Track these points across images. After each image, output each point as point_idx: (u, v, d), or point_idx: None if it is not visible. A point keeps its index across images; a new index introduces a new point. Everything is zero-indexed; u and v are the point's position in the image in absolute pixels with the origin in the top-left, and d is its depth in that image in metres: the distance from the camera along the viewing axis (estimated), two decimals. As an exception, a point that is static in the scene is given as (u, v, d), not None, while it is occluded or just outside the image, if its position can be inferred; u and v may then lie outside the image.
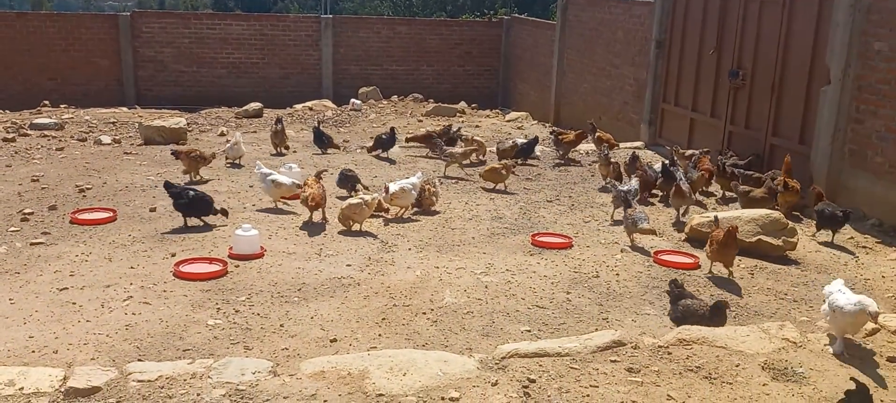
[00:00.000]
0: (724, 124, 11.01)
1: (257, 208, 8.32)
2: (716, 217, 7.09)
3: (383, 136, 11.50)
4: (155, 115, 14.47)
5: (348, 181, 8.77)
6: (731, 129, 10.87)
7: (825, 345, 5.03)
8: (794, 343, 5.08)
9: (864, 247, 7.63)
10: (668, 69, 12.48)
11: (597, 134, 11.60)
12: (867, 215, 8.37)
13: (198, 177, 9.47)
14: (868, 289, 6.42)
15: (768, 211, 7.70)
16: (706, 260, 6.84)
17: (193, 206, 7.49)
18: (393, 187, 8.07)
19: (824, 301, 5.17)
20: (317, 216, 7.79)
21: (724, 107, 10.97)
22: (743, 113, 10.59)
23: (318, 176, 8.16)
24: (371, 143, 11.62)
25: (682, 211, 8.39)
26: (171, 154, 9.82)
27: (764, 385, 4.48)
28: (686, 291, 5.73)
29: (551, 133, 12.16)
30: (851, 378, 3.85)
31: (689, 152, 10.33)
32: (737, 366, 4.69)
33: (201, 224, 7.56)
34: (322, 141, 11.60)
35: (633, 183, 8.34)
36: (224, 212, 7.61)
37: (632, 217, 7.36)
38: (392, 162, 10.99)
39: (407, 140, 12.13)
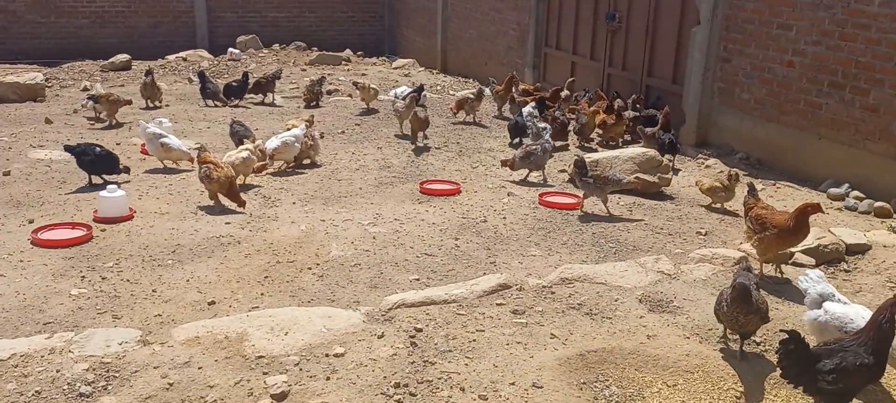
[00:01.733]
0: (603, 66, 11.25)
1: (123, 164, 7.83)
2: (751, 187, 5.71)
3: (233, 84, 11.34)
4: (8, 70, 13.31)
5: (236, 135, 8.35)
6: (610, 72, 11.12)
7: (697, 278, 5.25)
8: (669, 275, 5.28)
9: (733, 180, 8.02)
10: (549, 13, 12.59)
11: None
12: (736, 150, 8.80)
13: (115, 122, 9.64)
14: (737, 221, 6.75)
15: (644, 150, 7.95)
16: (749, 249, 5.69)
17: (100, 164, 7.08)
18: (273, 142, 7.75)
19: (805, 296, 4.23)
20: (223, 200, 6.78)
21: (603, 49, 11.20)
22: (620, 55, 10.84)
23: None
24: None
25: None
26: (89, 99, 10.10)
27: (641, 317, 4.63)
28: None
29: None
30: (780, 329, 3.97)
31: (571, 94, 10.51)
32: (616, 301, 4.83)
33: (101, 182, 7.12)
34: (207, 90, 11.04)
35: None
36: (126, 170, 7.30)
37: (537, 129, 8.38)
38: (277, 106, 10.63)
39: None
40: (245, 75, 11.57)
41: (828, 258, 5.74)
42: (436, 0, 16.27)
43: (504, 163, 7.86)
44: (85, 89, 12.05)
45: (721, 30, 8.85)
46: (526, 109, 9.32)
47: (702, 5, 8.98)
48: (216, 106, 11.02)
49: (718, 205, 7.12)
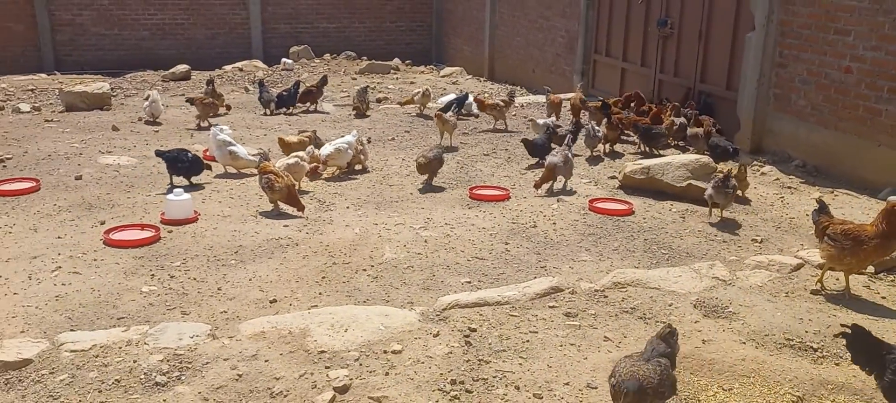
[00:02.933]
0: (654, 73, 11.21)
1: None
2: (822, 204, 5.43)
3: (284, 93, 11.61)
4: (76, 81, 13.90)
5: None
6: (661, 78, 11.09)
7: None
8: (724, 281, 5.28)
9: (789, 188, 7.93)
10: (598, 20, 12.60)
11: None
12: (792, 156, 8.70)
13: (206, 124, 10.17)
14: (793, 228, 6.70)
15: (698, 156, 7.92)
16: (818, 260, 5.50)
17: (188, 168, 7.50)
18: (327, 148, 7.95)
19: None
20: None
21: (654, 55, 11.17)
22: (672, 61, 10.80)
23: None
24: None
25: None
26: (187, 100, 11.02)
27: (696, 322, 4.65)
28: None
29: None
30: (841, 325, 3.95)
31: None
32: (670, 306, 4.86)
33: (190, 185, 7.54)
34: (263, 98, 11.38)
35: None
36: (208, 167, 7.82)
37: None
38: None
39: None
40: (296, 84, 11.87)
41: (889, 265, 5.64)
42: (483, 9, 16.40)
43: (538, 185, 7.54)
44: (147, 98, 12.47)
45: (776, 35, 8.77)
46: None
47: (757, 11, 8.91)
48: (268, 114, 11.30)
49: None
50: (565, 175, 7.63)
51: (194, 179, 7.59)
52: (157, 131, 10.06)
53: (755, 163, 8.76)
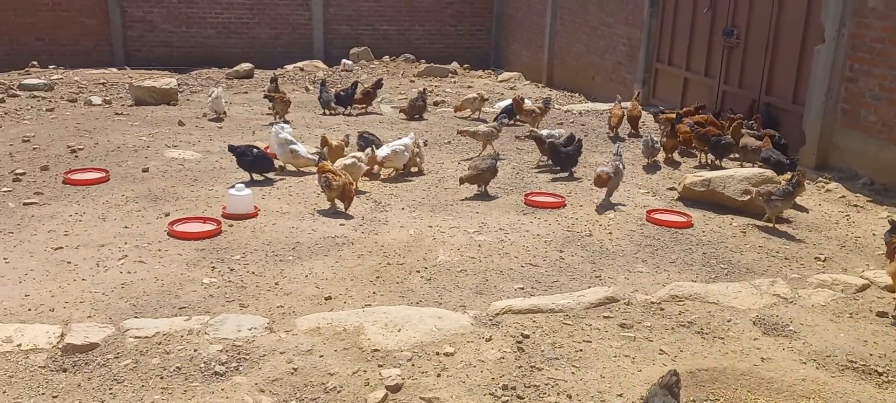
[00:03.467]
0: (717, 83, 11.00)
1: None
2: (893, 222, 5.73)
3: (341, 93, 11.75)
4: (145, 76, 14.35)
5: (367, 143, 8.63)
6: (725, 89, 10.87)
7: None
8: (785, 299, 5.14)
9: (855, 206, 7.69)
10: (661, 28, 12.43)
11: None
12: (859, 174, 8.42)
13: (282, 120, 10.40)
14: (859, 247, 6.49)
15: (760, 170, 7.74)
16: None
17: (257, 163, 7.74)
18: (384, 150, 8.03)
19: None
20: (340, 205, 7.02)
21: (718, 66, 10.95)
22: (737, 72, 10.57)
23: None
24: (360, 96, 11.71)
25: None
26: (265, 97, 11.32)
27: (755, 339, 4.55)
28: None
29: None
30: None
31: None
32: (728, 321, 4.76)
33: (263, 179, 7.78)
34: (322, 98, 11.55)
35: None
36: (281, 168, 8.08)
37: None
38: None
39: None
40: (354, 85, 11.99)
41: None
42: (544, 15, 16.34)
43: (600, 182, 7.41)
44: (210, 95, 12.79)
45: (847, 48, 8.51)
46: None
47: (827, 23, 8.66)
48: (326, 114, 11.47)
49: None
50: (613, 187, 7.51)
51: (266, 175, 7.79)
52: (220, 127, 10.32)
53: (820, 178, 8.51)
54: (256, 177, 7.80)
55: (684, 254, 6.18)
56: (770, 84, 9.93)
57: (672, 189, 8.00)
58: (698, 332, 4.62)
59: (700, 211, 7.28)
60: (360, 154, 7.85)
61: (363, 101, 11.78)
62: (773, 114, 9.78)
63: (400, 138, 8.45)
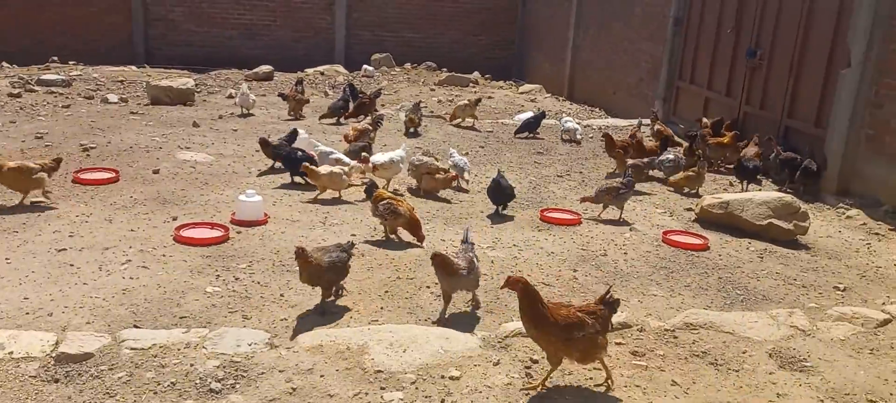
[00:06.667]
0: (739, 104, 10.79)
1: (261, 171, 8.26)
2: None
3: (339, 103, 11.40)
4: (163, 75, 14.36)
5: (353, 93, 8.54)
6: (747, 110, 10.66)
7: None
8: (803, 331, 4.95)
9: (876, 234, 7.47)
10: (685, 47, 12.24)
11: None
12: (881, 201, 8.19)
13: (300, 117, 10.99)
14: (880, 278, 6.28)
15: (780, 194, 7.54)
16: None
17: (296, 164, 7.73)
18: (379, 158, 7.87)
19: None
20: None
21: (740, 86, 10.74)
22: (759, 93, 10.36)
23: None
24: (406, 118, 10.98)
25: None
26: (279, 95, 11.67)
27: (771, 373, 4.36)
28: None
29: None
30: None
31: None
32: (743, 353, 4.58)
33: (303, 183, 7.77)
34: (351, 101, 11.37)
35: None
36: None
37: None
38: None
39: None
40: (349, 92, 11.72)
41: None
42: (568, 28, 16.19)
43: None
44: (230, 96, 12.77)
45: (874, 73, 8.28)
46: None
47: (854, 47, 8.44)
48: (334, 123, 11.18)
49: (693, 191, 8.44)
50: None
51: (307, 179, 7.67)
52: (235, 130, 10.24)
53: (841, 205, 8.29)
54: (298, 179, 7.78)
55: (700, 278, 6.01)
56: (793, 107, 9.70)
57: (689, 209, 7.83)
58: (712, 363, 4.44)
59: (717, 234, 7.12)
60: (344, 161, 7.71)
61: (357, 114, 11.01)
62: (792, 140, 9.54)
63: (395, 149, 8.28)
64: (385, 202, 6.33)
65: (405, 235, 6.44)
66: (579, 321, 3.91)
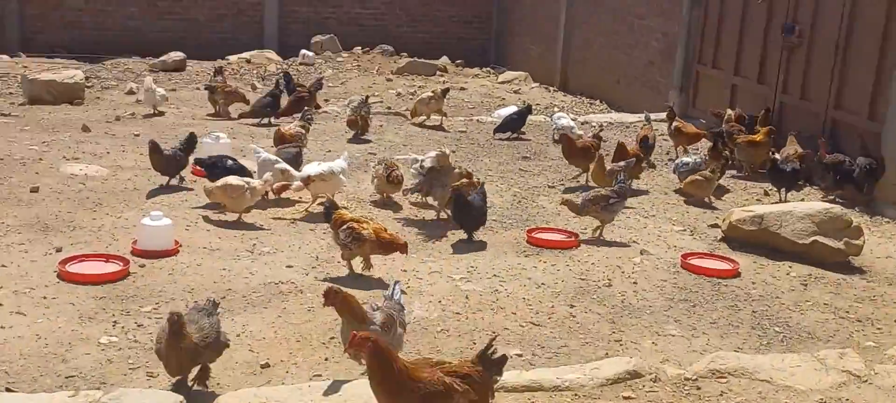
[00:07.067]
0: (774, 93, 10.99)
1: (176, 186, 8.29)
2: None
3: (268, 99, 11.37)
4: (44, 66, 14.26)
5: (288, 83, 8.56)
6: (783, 99, 10.87)
7: (897, 380, 4.99)
8: (859, 377, 5.04)
9: (942, 250, 7.67)
10: (705, 22, 12.47)
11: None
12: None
13: (228, 116, 11.26)
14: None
15: (827, 206, 7.67)
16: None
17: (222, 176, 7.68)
18: (313, 168, 7.85)
19: None
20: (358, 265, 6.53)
21: (776, 71, 10.95)
22: (798, 79, 10.58)
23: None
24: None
25: None
26: (205, 88, 11.88)
27: (819, 432, 4.44)
28: None
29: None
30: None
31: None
32: (784, 408, 4.66)
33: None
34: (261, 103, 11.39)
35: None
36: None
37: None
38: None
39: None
40: (286, 81, 11.83)
41: None
42: (558, 0, 16.39)
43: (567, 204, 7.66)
44: (130, 92, 12.71)
45: (941, 53, 8.51)
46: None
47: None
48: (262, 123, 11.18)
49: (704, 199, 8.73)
50: (604, 220, 7.55)
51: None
52: (137, 135, 10.20)
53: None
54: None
55: (729, 313, 6.11)
56: (840, 95, 9.90)
57: (715, 226, 7.95)
58: (745, 422, 4.51)
59: (749, 256, 7.24)
60: (292, 173, 7.74)
61: (293, 112, 11.08)
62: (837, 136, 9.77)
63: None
64: (346, 227, 6.30)
65: (379, 260, 6.46)
66: (445, 389, 3.75)
